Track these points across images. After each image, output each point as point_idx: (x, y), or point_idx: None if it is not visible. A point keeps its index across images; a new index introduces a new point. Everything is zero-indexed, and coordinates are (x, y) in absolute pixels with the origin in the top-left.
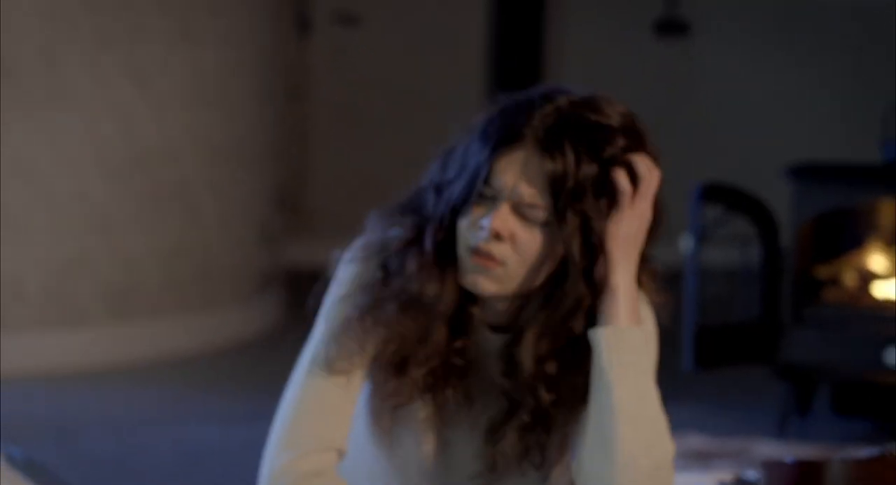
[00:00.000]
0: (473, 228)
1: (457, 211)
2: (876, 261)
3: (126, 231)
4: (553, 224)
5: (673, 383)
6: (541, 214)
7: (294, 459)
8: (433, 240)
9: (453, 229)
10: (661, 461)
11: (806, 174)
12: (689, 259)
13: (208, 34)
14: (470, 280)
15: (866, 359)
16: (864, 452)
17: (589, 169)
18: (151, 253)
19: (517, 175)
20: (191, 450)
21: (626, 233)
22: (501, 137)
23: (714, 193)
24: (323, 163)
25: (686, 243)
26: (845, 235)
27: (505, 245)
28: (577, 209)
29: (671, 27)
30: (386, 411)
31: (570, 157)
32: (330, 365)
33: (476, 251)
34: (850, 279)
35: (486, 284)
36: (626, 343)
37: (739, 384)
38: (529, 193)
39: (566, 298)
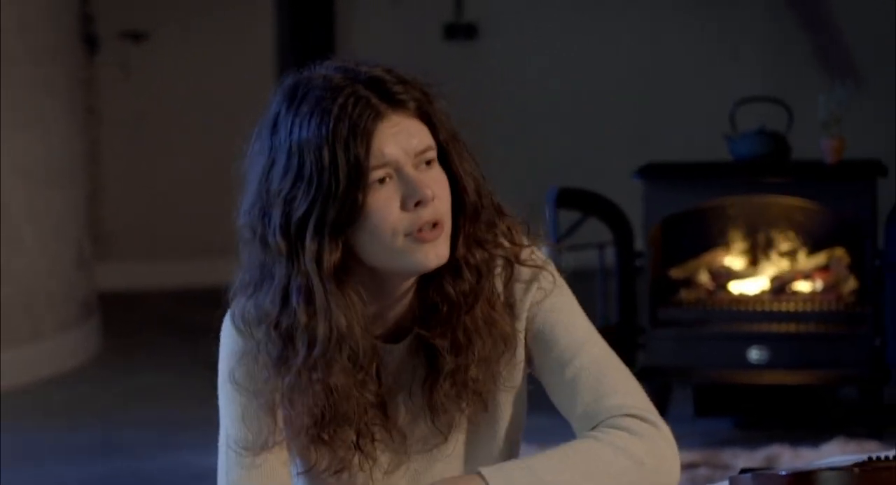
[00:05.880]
0: (405, 211)
1: (341, 224)
2: (730, 260)
3: None
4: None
5: (534, 389)
6: (434, 152)
7: None
8: (330, 264)
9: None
10: None
11: (655, 175)
12: None
13: (16, 53)
14: (430, 258)
15: (726, 358)
16: (847, 459)
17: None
18: None
19: (396, 138)
20: None
21: None
22: (364, 124)
23: (568, 198)
24: (116, 182)
25: (544, 249)
26: (699, 234)
27: (434, 204)
28: (450, 130)
29: (460, 31)
30: (326, 476)
31: (416, 90)
32: (248, 446)
33: (423, 228)
34: (705, 279)
35: (442, 251)
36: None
37: None
38: (419, 139)
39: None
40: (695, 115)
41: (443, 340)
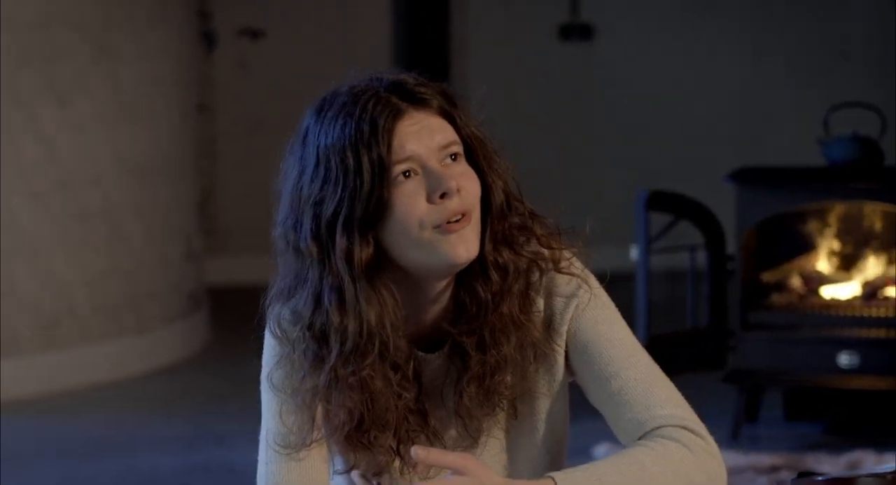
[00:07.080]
0: (431, 204)
1: (369, 220)
2: (822, 264)
3: (53, 255)
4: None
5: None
6: (459, 147)
7: None
8: (361, 261)
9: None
10: None
11: (748, 179)
12: (639, 267)
13: (125, 50)
14: (460, 251)
15: (816, 363)
16: (887, 467)
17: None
18: (80, 277)
19: (418, 134)
20: (143, 478)
21: None
22: (384, 122)
23: (659, 201)
24: (231, 178)
25: (634, 252)
26: (790, 238)
27: (460, 196)
28: (476, 131)
29: (575, 31)
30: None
31: (437, 91)
32: (287, 443)
33: (449, 220)
34: (796, 283)
35: (471, 245)
36: None
37: (690, 392)
38: (442, 135)
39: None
40: (790, 119)
41: (470, 337)
